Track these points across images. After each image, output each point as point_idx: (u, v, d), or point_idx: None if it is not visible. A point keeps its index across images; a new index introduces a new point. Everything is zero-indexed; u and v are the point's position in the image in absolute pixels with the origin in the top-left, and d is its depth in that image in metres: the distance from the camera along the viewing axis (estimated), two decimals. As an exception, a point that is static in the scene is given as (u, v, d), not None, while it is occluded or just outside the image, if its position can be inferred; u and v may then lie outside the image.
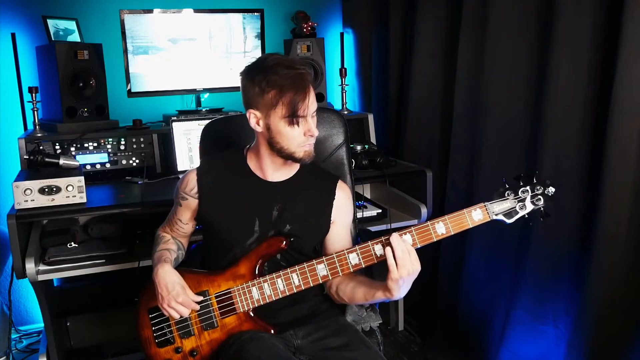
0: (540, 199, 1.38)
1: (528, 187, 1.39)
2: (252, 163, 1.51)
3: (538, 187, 1.39)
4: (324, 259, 1.42)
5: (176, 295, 1.40)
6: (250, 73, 1.40)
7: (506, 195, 1.38)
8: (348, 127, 1.85)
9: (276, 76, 1.34)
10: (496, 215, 1.38)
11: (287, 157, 1.43)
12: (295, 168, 1.53)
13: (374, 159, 2.44)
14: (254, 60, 1.42)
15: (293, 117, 1.36)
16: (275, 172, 1.50)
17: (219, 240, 1.51)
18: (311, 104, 1.38)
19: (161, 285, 1.41)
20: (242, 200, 1.50)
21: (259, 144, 1.47)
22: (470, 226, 1.37)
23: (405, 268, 1.31)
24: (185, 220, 1.57)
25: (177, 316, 1.42)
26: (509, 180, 1.40)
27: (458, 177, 2.33)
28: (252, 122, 1.42)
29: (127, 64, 2.62)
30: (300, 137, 1.40)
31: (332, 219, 1.54)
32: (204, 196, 1.51)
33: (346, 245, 1.55)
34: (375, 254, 1.39)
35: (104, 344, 2.46)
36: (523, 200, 1.39)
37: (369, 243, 1.39)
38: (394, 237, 1.32)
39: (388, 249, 1.33)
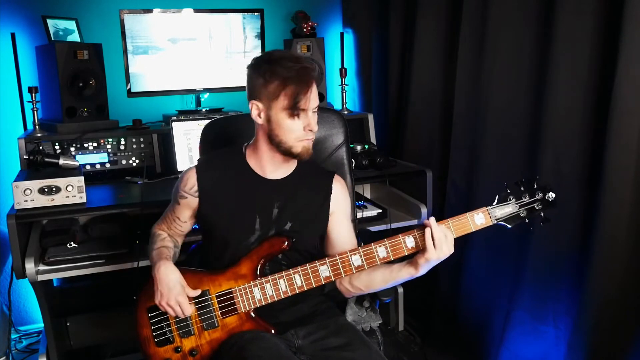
0: (540, 204, 1.39)
1: (528, 193, 1.39)
2: (251, 160, 1.52)
3: (538, 193, 1.39)
4: (326, 260, 1.42)
5: (177, 294, 1.41)
6: (257, 64, 1.41)
7: (508, 200, 1.38)
8: (348, 127, 1.85)
9: (281, 68, 1.36)
10: (498, 219, 1.38)
11: (285, 151, 1.43)
12: (292, 166, 1.53)
13: (374, 159, 2.44)
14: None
15: (294, 110, 1.37)
16: (275, 169, 1.50)
17: (220, 238, 1.51)
18: (313, 99, 1.39)
19: (162, 282, 1.42)
20: (243, 198, 1.50)
21: (258, 139, 1.48)
22: (473, 230, 1.38)
23: (442, 250, 1.34)
24: (184, 218, 1.57)
25: (174, 315, 1.43)
26: (510, 184, 1.40)
27: (458, 177, 2.33)
28: (254, 113, 1.43)
29: (127, 64, 2.62)
30: (299, 131, 1.40)
31: (330, 210, 1.55)
32: (204, 194, 1.51)
33: (348, 235, 1.56)
34: (378, 256, 1.39)
35: (103, 344, 2.46)
36: (524, 205, 1.39)
37: (372, 245, 1.38)
38: (432, 222, 1.35)
39: (427, 229, 1.35)
